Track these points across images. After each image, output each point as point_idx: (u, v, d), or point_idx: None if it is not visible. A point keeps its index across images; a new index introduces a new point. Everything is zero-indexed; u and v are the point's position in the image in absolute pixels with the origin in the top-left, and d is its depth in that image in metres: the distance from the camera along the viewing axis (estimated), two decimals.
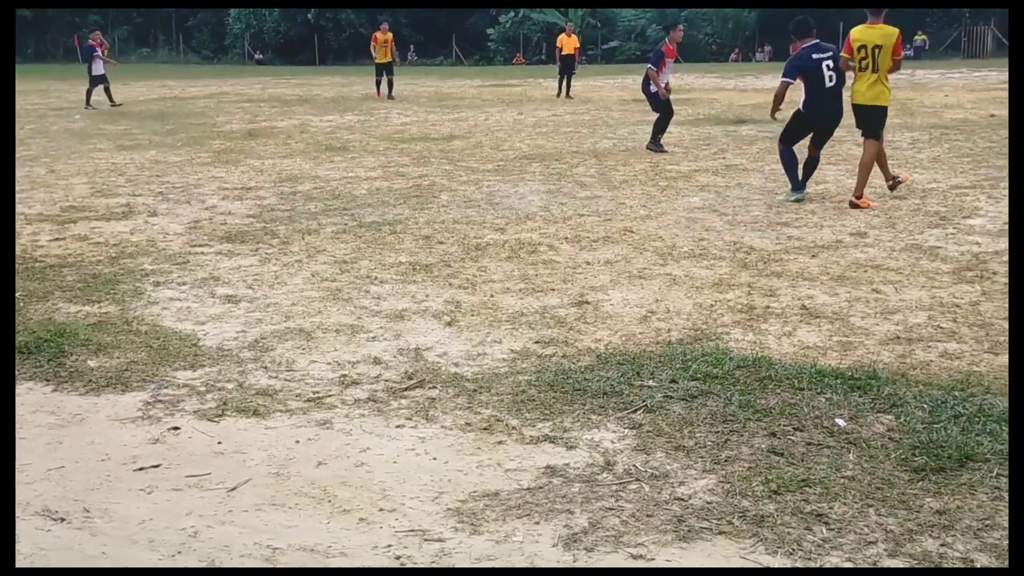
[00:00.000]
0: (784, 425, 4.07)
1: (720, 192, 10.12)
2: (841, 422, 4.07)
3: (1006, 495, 3.41)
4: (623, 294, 6.26)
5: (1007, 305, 5.77)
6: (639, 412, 4.26)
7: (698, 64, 45.35)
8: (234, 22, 64.45)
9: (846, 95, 9.44)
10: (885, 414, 4.16)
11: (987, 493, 3.44)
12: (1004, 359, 4.85)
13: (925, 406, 4.19)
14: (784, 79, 9.52)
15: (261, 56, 62.65)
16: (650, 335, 5.40)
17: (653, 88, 13.86)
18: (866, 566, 3.04)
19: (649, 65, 14.01)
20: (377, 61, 26.04)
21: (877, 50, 9.01)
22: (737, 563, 3.08)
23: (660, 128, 13.87)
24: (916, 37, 50.78)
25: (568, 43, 26.32)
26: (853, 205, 9.10)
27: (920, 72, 34.15)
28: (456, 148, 14.65)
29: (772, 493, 3.47)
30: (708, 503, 3.44)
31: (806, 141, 9.83)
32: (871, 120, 9.21)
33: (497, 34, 60.71)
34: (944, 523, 3.25)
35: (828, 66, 9.30)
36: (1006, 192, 9.61)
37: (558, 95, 25.52)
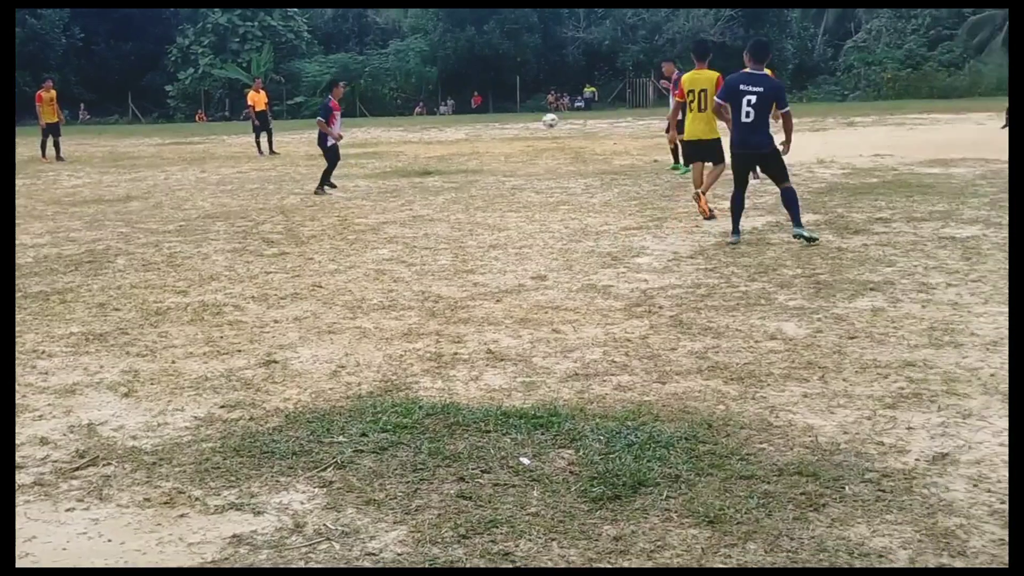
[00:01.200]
0: (472, 469, 4.14)
1: (408, 243, 10.26)
2: (525, 460, 4.20)
3: (675, 516, 3.64)
4: (312, 350, 6.18)
5: (672, 337, 6.20)
6: (329, 469, 4.20)
7: (384, 118, 46.03)
8: None
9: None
10: (566, 449, 4.33)
11: (658, 516, 3.64)
12: (671, 387, 5.20)
13: (602, 438, 4.40)
14: (715, 99, 9.74)
15: None
16: (340, 390, 5.36)
17: (329, 142, 15.36)
18: None
19: (319, 119, 15.62)
20: (45, 121, 24.53)
21: (703, 93, 11.19)
22: None
23: (329, 172, 15.59)
24: (585, 90, 54.15)
25: (259, 99, 25.95)
26: (697, 198, 11.08)
27: (591, 122, 36.38)
28: (134, 209, 14.00)
29: (461, 537, 3.51)
30: (399, 555, 3.42)
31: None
32: (714, 151, 11.47)
33: (176, 91, 58.99)
34: (620, 548, 3.41)
35: (749, 100, 9.12)
36: (669, 232, 10.38)
37: (260, 152, 25.11)
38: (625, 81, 54.51)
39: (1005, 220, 10.28)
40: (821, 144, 21.08)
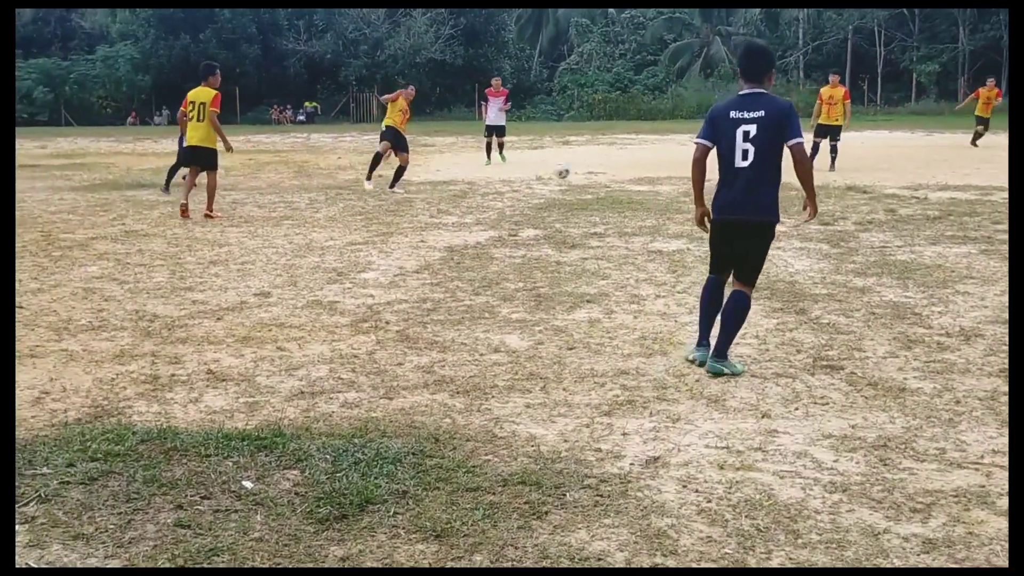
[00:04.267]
0: (191, 495, 3.96)
1: (120, 260, 9.73)
2: (248, 484, 4.06)
3: (402, 532, 3.63)
4: None
5: (399, 352, 6.21)
6: (32, 504, 3.89)
7: (93, 127, 43.54)
8: None
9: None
10: (291, 470, 4.23)
11: (386, 533, 3.62)
12: (398, 403, 5.20)
13: (328, 457, 4.34)
14: (697, 140, 5.93)
15: None
16: (44, 418, 4.98)
17: None
18: None
19: None
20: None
21: (203, 106, 12.70)
22: None
23: None
24: (307, 104, 53.62)
25: None
26: (208, 216, 12.76)
27: (315, 136, 35.98)
28: None
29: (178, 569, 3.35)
30: None
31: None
32: (210, 157, 12.98)
33: None
34: (348, 569, 3.36)
35: (747, 133, 5.63)
36: (395, 246, 10.41)
37: None
38: (349, 95, 54.33)
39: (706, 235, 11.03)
40: (540, 162, 21.86)
